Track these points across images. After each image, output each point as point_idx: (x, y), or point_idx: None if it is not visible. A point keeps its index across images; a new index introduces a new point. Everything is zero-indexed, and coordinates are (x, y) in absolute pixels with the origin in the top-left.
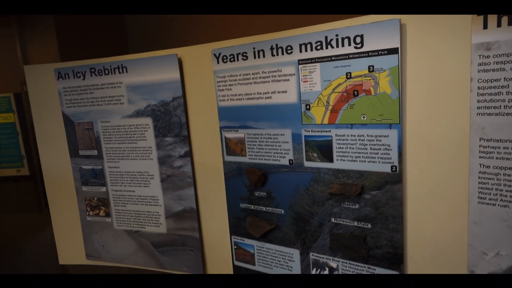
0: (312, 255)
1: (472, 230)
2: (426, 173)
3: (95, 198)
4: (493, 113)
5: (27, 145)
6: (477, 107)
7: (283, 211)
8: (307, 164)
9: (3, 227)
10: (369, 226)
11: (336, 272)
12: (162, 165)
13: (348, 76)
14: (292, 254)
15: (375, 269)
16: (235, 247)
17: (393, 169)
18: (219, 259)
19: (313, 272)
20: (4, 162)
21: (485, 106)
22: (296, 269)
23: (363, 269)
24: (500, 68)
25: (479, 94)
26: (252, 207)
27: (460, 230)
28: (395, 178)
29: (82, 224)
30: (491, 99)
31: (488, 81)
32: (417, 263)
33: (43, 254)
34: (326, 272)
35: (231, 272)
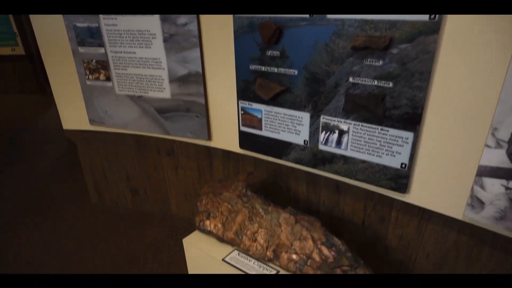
0: (323, 117)
1: (509, 84)
2: (470, 21)
3: (94, 61)
4: None
5: (19, 23)
6: None
7: (296, 72)
8: (330, 15)
9: (6, 108)
10: (390, 85)
11: (346, 134)
12: (165, 23)
13: None
14: (302, 118)
15: (388, 130)
16: (242, 112)
17: (432, 17)
18: (225, 125)
19: (322, 135)
20: None
21: None
22: (305, 133)
23: (376, 130)
24: None
25: None
26: (263, 69)
27: (493, 84)
28: (432, 27)
29: (83, 89)
30: None
31: None
32: (434, 124)
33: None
34: (336, 135)
35: (237, 136)
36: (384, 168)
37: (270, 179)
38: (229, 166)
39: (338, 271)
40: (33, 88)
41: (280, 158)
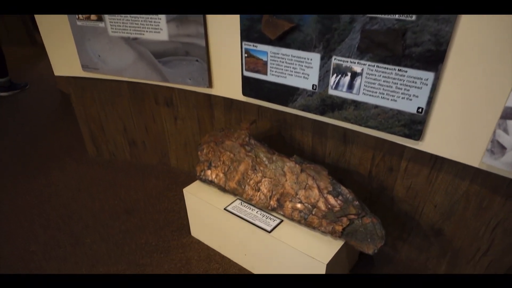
0: (335, 59)
1: None
2: None
3: None
4: None
5: None
6: None
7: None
8: None
9: None
10: (413, 18)
11: (359, 77)
12: None
13: None
14: (311, 60)
15: (406, 71)
16: (245, 55)
17: None
18: (227, 70)
19: (332, 79)
20: None
21: None
22: (314, 76)
23: (392, 71)
24: None
25: None
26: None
27: None
28: None
29: (73, 30)
30: None
31: None
32: (458, 63)
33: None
34: (348, 78)
35: (240, 82)
36: (399, 113)
37: (274, 129)
38: (231, 116)
39: (344, 220)
40: (23, 39)
41: (286, 105)
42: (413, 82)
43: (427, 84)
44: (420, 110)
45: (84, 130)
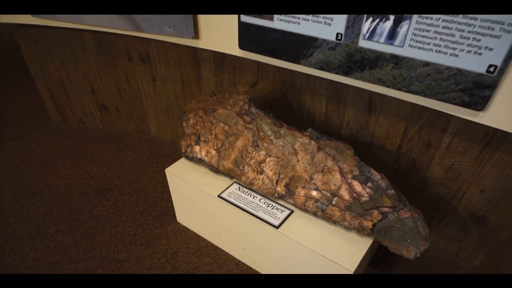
0: None
1: None
2: None
3: None
4: None
5: None
6: None
7: None
8: None
9: None
10: None
11: (406, 22)
12: None
13: None
14: None
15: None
16: None
17: None
18: (219, 15)
19: (367, 24)
20: None
21: None
22: (339, 22)
23: (458, 14)
24: None
25: None
26: None
27: None
28: None
29: None
30: None
31: None
32: None
33: None
34: (389, 23)
35: (236, 31)
36: (459, 73)
37: (277, 93)
38: (223, 76)
39: (375, 214)
40: None
41: (297, 62)
42: (488, 28)
43: (510, 32)
44: (492, 69)
45: (43, 93)
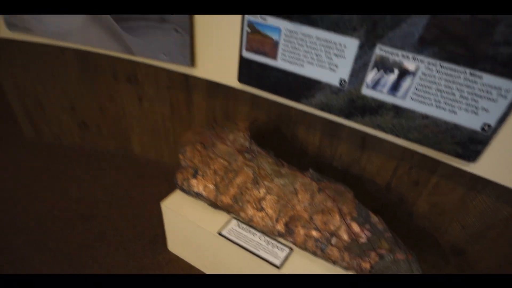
0: (381, 49)
1: None
2: None
3: None
4: None
5: None
6: None
7: None
8: None
9: None
10: None
11: (410, 77)
12: None
13: None
14: (345, 46)
15: (481, 77)
16: (248, 29)
17: None
18: (219, 46)
19: (371, 74)
20: None
21: None
22: (344, 69)
23: (461, 74)
24: None
25: None
26: None
27: None
28: None
29: None
30: None
31: None
32: None
33: None
34: (393, 76)
35: (236, 65)
36: (455, 128)
37: (271, 124)
38: (215, 103)
39: (373, 255)
40: None
41: (298, 100)
42: (486, 92)
43: (506, 97)
44: (486, 127)
45: (17, 108)
